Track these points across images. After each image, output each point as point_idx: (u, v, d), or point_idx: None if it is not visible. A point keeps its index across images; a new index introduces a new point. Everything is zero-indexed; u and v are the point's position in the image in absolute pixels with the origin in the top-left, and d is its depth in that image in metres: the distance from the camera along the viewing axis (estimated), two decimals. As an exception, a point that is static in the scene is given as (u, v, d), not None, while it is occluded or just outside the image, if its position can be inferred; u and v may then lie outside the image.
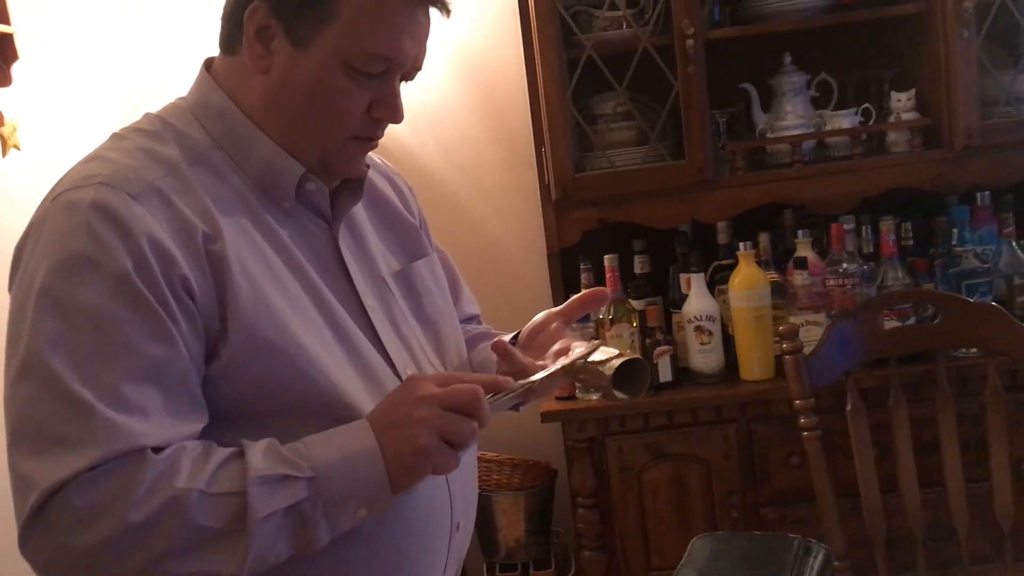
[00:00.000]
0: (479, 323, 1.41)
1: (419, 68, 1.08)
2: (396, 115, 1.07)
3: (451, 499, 1.12)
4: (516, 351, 1.15)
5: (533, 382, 1.07)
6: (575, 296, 1.23)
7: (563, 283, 2.42)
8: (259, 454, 0.92)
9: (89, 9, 2.40)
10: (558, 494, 2.52)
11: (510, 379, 1.04)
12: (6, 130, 1.99)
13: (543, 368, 1.11)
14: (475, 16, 2.53)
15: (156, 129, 1.05)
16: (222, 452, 0.93)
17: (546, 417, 2.19)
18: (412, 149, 2.58)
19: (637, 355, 1.11)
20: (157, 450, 0.90)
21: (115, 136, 1.05)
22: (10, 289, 0.98)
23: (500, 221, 2.67)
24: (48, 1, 2.24)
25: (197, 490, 0.89)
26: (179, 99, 1.10)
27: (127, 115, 2.36)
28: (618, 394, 1.09)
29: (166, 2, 2.42)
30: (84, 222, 0.92)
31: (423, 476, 0.97)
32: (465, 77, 2.59)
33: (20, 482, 0.89)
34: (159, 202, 0.96)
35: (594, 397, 2.21)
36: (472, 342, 1.31)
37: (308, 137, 1.05)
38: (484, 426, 0.97)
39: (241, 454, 0.93)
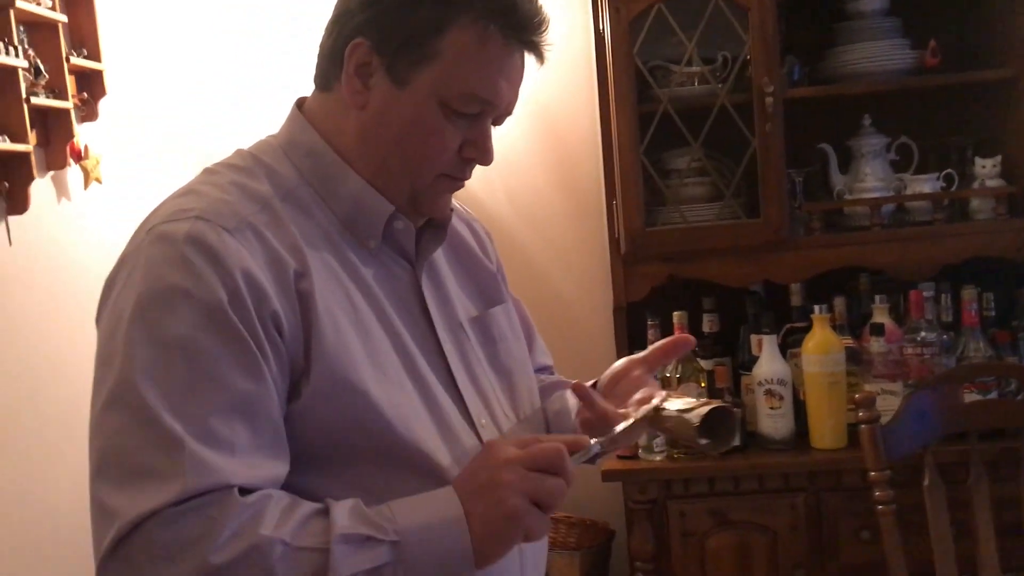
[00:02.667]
0: (552, 374, 1.38)
1: (510, 112, 1.08)
2: (486, 156, 1.06)
3: (522, 566, 1.09)
4: (596, 395, 1.12)
5: (614, 435, 1.04)
6: (658, 343, 1.19)
7: (628, 338, 2.37)
8: (344, 513, 0.90)
9: (175, 48, 2.46)
10: (614, 556, 2.45)
11: (587, 437, 1.01)
12: (89, 163, 2.03)
13: (624, 416, 1.08)
14: (548, 67, 2.51)
15: (248, 165, 1.05)
16: (308, 506, 0.91)
17: (607, 476, 2.14)
18: (480, 197, 2.57)
19: (725, 403, 1.07)
20: (243, 492, 0.88)
21: (207, 171, 1.06)
22: (99, 320, 0.98)
23: (566, 273, 2.64)
24: (136, 39, 2.30)
25: (280, 541, 0.86)
26: (270, 136, 1.10)
27: (207, 153, 2.41)
28: (704, 443, 1.04)
29: (248, 42, 2.47)
30: (179, 254, 0.92)
31: (513, 543, 0.93)
32: (536, 127, 2.59)
33: (101, 513, 0.87)
34: (253, 237, 0.96)
35: (673, 454, 2.15)
36: (546, 391, 1.28)
37: (400, 172, 1.04)
38: (570, 484, 0.93)
39: (326, 511, 0.90)
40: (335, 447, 0.97)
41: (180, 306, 0.90)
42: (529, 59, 1.05)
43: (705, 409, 1.03)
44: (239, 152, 1.09)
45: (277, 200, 1.01)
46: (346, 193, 1.05)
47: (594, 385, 1.21)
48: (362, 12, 1.01)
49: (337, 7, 1.05)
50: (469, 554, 0.90)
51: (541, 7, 1.04)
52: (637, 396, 1.12)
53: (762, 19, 2.14)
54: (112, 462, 0.88)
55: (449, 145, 1.03)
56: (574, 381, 1.12)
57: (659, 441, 2.17)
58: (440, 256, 1.16)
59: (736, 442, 1.07)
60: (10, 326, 1.81)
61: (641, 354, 1.19)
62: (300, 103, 1.11)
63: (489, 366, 1.16)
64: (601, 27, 2.25)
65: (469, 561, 0.91)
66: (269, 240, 0.97)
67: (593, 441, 0.99)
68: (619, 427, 1.05)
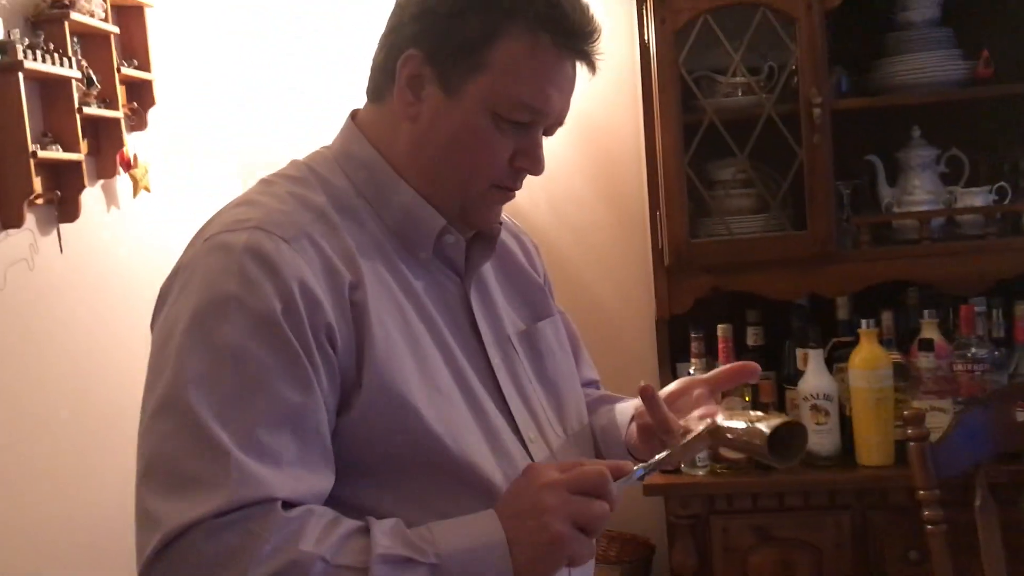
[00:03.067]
0: (598, 388, 1.37)
1: (561, 123, 1.07)
2: (537, 166, 1.06)
3: None
4: (662, 400, 1.08)
5: (659, 459, 1.01)
6: (724, 367, 1.17)
7: (671, 351, 2.35)
8: (385, 533, 0.89)
9: (224, 58, 2.49)
10: (655, 571, 2.43)
11: (631, 463, 0.99)
12: (138, 172, 2.06)
13: (685, 429, 1.05)
14: (591, 76, 2.52)
15: (303, 175, 1.05)
16: (348, 524, 0.90)
17: (649, 490, 2.12)
18: (523, 207, 2.57)
19: (794, 418, 1.03)
20: (286, 505, 0.88)
21: (263, 182, 1.06)
22: (153, 327, 0.98)
23: (609, 284, 2.63)
24: (185, 50, 2.33)
25: (320, 557, 0.85)
26: (323, 148, 1.11)
27: (253, 162, 2.43)
28: (771, 456, 1.00)
29: (298, 51, 2.49)
30: (237, 264, 0.92)
31: (557, 569, 0.91)
32: (580, 137, 2.58)
33: (146, 519, 0.88)
34: (310, 247, 0.96)
35: (716, 468, 2.12)
36: (593, 406, 1.27)
37: (451, 183, 1.04)
38: (614, 509, 0.92)
39: (367, 530, 0.90)
40: (386, 460, 0.97)
41: (234, 315, 0.91)
42: (581, 70, 1.05)
43: (777, 421, 1.00)
44: (294, 163, 1.09)
45: (332, 211, 1.01)
46: (397, 204, 1.05)
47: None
48: (414, 24, 1.02)
49: (389, 21, 1.06)
50: None
51: (593, 17, 1.03)
52: (698, 412, 1.09)
53: (810, 29, 2.12)
54: (158, 469, 0.88)
55: (500, 154, 1.03)
56: (641, 383, 1.10)
57: (702, 456, 2.14)
58: (488, 270, 1.16)
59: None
60: (62, 331, 1.84)
61: (704, 375, 1.16)
62: (354, 115, 1.11)
63: (537, 380, 1.15)
64: (646, 38, 2.23)
65: None
66: (325, 250, 0.97)
67: (637, 467, 0.97)
68: (659, 456, 1.01)
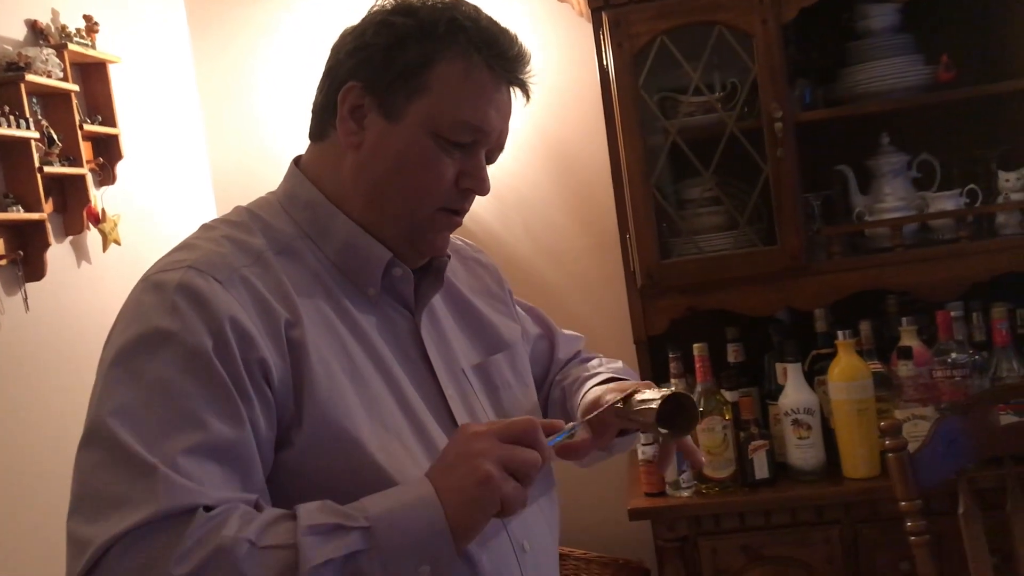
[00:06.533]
0: (580, 355, 1.38)
1: (501, 147, 1.10)
2: (483, 186, 1.08)
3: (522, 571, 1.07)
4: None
5: (588, 419, 1.06)
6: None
7: (652, 371, 2.34)
8: (312, 508, 0.89)
9: (186, 111, 2.51)
10: (650, 595, 2.40)
11: (562, 422, 1.01)
12: (107, 226, 2.07)
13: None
14: (560, 103, 2.53)
15: (243, 220, 1.07)
16: (275, 511, 0.90)
17: (634, 514, 2.10)
18: (499, 234, 2.58)
19: (681, 391, 1.08)
20: (210, 509, 0.87)
21: (204, 227, 1.08)
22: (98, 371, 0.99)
23: (587, 307, 2.63)
24: (152, 102, 2.35)
25: (246, 540, 0.85)
26: (269, 193, 1.13)
27: (226, 208, 2.44)
28: (663, 431, 1.05)
29: (253, 103, 2.52)
30: (169, 301, 0.94)
31: (489, 512, 0.91)
32: (551, 162, 2.59)
33: (75, 546, 0.87)
34: (244, 288, 0.98)
35: (701, 488, 2.11)
36: (572, 388, 1.27)
37: (397, 206, 1.06)
38: (545, 461, 0.93)
39: (294, 515, 0.89)
40: (330, 495, 0.95)
41: (163, 349, 0.91)
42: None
43: (660, 395, 1.05)
44: (237, 208, 1.11)
45: (271, 253, 1.03)
46: (341, 240, 1.07)
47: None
48: (350, 59, 1.06)
49: (327, 63, 1.09)
50: (445, 529, 0.89)
51: (521, 44, 1.07)
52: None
53: (767, 44, 2.12)
54: (86, 497, 0.88)
55: (445, 175, 1.05)
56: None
57: (686, 476, 2.13)
58: (441, 305, 1.18)
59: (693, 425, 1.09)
60: (28, 392, 1.84)
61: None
62: (296, 161, 1.14)
63: (494, 413, 1.16)
64: (605, 62, 2.24)
65: (446, 536, 0.89)
66: (260, 291, 0.98)
67: (568, 425, 1.00)
68: (585, 418, 1.07)
